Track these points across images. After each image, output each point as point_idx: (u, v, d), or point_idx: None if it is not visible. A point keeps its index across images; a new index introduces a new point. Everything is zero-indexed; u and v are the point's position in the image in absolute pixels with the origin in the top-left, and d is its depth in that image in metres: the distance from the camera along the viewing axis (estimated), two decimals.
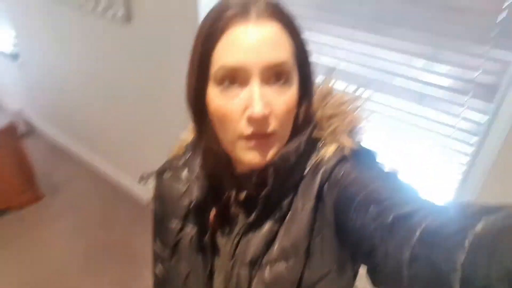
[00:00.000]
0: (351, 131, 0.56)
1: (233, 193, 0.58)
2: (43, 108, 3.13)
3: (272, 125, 0.49)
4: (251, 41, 0.46)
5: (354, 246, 0.48)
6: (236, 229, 0.59)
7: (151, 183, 0.70)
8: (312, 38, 1.36)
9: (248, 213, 0.57)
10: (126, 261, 2.10)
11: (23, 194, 2.43)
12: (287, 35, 0.49)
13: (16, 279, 1.99)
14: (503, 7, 1.01)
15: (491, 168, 1.11)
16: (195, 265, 0.63)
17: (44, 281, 1.98)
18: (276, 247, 0.55)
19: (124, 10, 1.83)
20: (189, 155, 0.64)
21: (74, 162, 2.93)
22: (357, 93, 0.58)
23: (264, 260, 0.55)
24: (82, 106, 2.66)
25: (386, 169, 0.52)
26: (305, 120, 0.55)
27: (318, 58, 1.35)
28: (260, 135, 0.49)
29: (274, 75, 0.48)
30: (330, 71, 0.61)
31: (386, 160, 0.53)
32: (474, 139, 1.18)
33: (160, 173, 0.69)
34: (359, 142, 0.55)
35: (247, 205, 0.57)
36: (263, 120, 0.47)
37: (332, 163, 0.52)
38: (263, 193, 0.53)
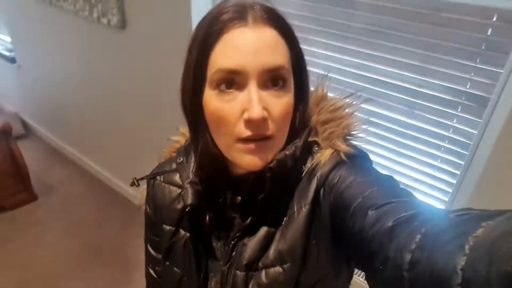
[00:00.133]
0: (347, 136, 0.56)
1: (229, 196, 0.58)
2: (39, 111, 3.13)
3: (270, 129, 0.49)
4: (249, 45, 0.46)
5: (351, 250, 0.48)
6: (232, 233, 0.58)
7: (143, 187, 0.69)
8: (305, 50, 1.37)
9: (244, 217, 0.57)
10: (119, 262, 2.09)
11: (17, 195, 2.43)
12: (283, 40, 0.49)
13: (8, 279, 1.97)
14: (492, 21, 1.02)
15: (479, 181, 1.12)
16: (188, 269, 0.63)
17: (36, 281, 1.97)
18: (272, 251, 0.55)
19: (118, 17, 1.83)
20: (182, 159, 0.63)
21: (69, 164, 2.92)
22: (352, 99, 0.58)
23: (260, 264, 0.55)
24: (77, 110, 2.66)
25: (383, 173, 0.52)
26: (301, 125, 0.55)
27: (310, 69, 1.36)
28: (258, 138, 0.49)
29: (271, 79, 0.48)
30: (323, 77, 0.61)
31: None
32: (463, 152, 1.19)
33: (152, 177, 0.68)
34: (354, 147, 0.55)
35: (243, 209, 0.57)
36: (261, 123, 0.47)
37: (328, 167, 0.52)
38: (260, 197, 0.53)
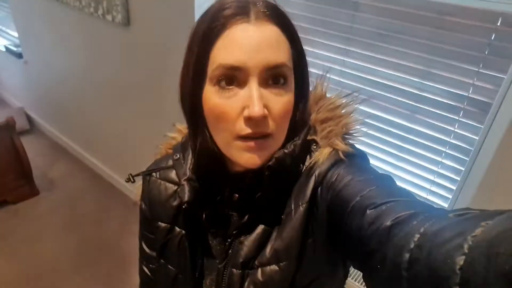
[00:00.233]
0: (345, 135, 0.56)
1: (226, 194, 0.58)
2: (44, 106, 3.15)
3: (270, 127, 0.48)
4: (251, 41, 0.45)
5: (349, 249, 0.47)
6: (229, 230, 0.58)
7: (138, 183, 0.69)
8: (307, 51, 1.37)
9: (241, 215, 0.57)
10: (118, 258, 2.09)
11: (19, 189, 2.44)
12: (285, 38, 0.49)
13: (8, 272, 1.98)
14: (496, 26, 1.02)
15: (479, 187, 1.12)
16: (183, 267, 0.62)
17: (36, 275, 1.97)
18: (268, 249, 0.54)
19: (123, 14, 1.85)
20: (178, 155, 0.63)
21: (71, 160, 2.93)
22: (351, 98, 0.58)
23: (257, 262, 0.55)
24: (81, 106, 2.67)
25: (381, 172, 0.52)
26: (300, 123, 0.55)
27: (312, 70, 1.36)
28: (257, 136, 0.48)
29: (272, 76, 0.47)
30: (322, 76, 0.60)
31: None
32: (464, 158, 1.18)
33: (147, 174, 0.67)
34: (353, 145, 0.55)
35: (241, 207, 0.57)
36: (261, 121, 0.47)
37: (326, 166, 0.52)
38: (257, 195, 0.53)
